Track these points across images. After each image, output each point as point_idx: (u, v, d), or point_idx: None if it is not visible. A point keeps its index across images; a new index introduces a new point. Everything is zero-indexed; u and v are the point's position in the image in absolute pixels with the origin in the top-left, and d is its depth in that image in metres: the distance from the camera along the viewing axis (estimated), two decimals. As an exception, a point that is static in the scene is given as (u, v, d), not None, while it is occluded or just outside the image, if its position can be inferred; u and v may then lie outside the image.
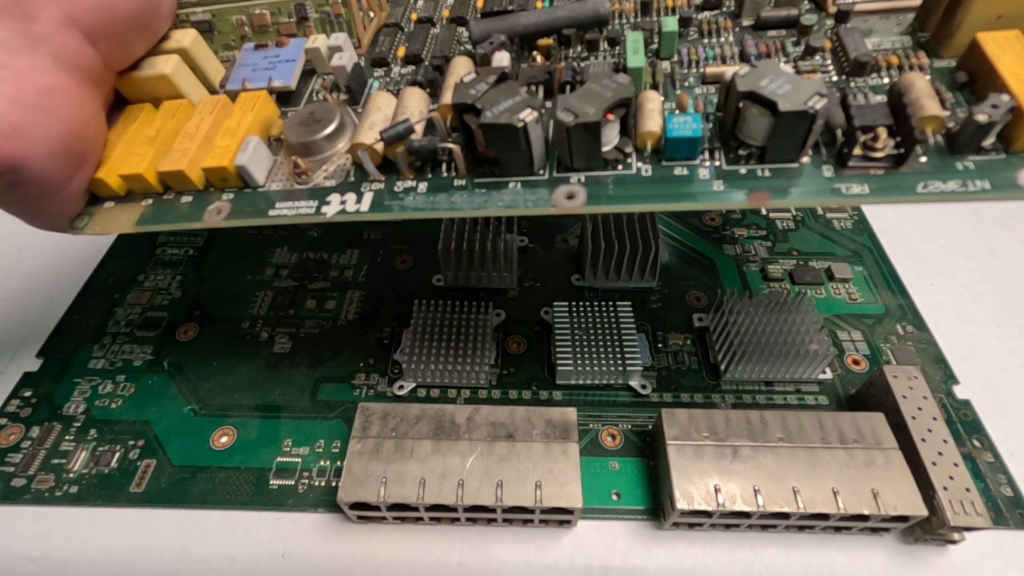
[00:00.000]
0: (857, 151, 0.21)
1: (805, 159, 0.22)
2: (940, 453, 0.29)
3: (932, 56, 0.25)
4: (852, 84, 0.24)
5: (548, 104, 0.25)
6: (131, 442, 0.36)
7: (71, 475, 0.35)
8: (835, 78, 0.25)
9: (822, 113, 0.20)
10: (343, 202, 0.24)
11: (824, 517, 0.29)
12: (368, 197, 0.24)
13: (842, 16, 0.26)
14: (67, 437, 0.36)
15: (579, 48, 0.28)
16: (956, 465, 0.29)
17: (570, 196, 0.22)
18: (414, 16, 0.34)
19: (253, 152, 0.26)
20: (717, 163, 0.23)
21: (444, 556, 0.33)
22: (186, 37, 0.30)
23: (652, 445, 0.33)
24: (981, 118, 0.21)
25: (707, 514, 0.29)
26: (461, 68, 0.26)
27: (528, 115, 0.21)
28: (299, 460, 0.34)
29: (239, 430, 0.36)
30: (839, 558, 0.31)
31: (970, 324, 0.40)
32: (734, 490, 0.29)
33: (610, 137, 0.23)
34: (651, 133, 0.22)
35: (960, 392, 0.36)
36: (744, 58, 0.26)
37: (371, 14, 0.33)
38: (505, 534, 0.33)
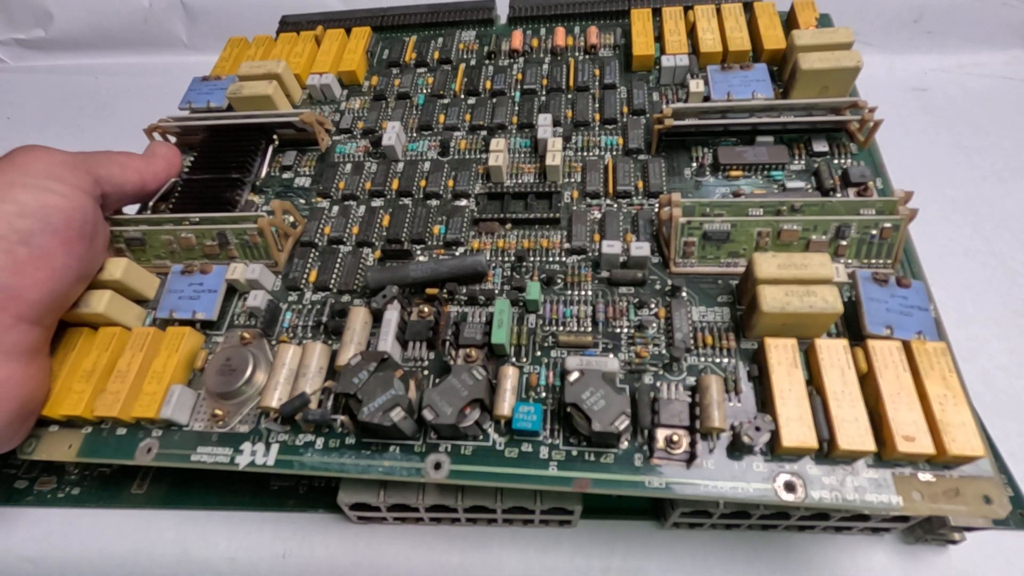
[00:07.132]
0: (660, 445, 0.26)
1: (624, 444, 0.27)
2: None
3: (740, 337, 0.29)
4: (673, 366, 0.29)
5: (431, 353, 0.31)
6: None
7: (73, 476, 0.35)
8: (663, 350, 0.30)
9: (627, 429, 0.26)
10: (253, 453, 0.29)
11: (824, 517, 0.29)
12: (274, 449, 0.29)
13: (675, 290, 0.31)
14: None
15: (462, 294, 0.32)
16: (956, 465, 0.29)
17: (437, 466, 0.27)
18: (327, 230, 0.36)
19: (176, 403, 0.29)
20: (557, 441, 0.28)
21: (444, 556, 0.33)
22: (118, 268, 0.32)
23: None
24: (745, 440, 0.25)
25: (707, 514, 0.29)
26: (358, 322, 0.30)
27: (396, 414, 0.26)
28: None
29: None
30: (839, 558, 0.31)
31: (970, 324, 0.40)
32: (734, 490, 0.28)
33: (470, 415, 0.27)
34: (502, 416, 0.27)
35: (960, 392, 0.36)
36: (595, 323, 0.31)
37: (286, 234, 0.35)
38: (505, 534, 0.33)
